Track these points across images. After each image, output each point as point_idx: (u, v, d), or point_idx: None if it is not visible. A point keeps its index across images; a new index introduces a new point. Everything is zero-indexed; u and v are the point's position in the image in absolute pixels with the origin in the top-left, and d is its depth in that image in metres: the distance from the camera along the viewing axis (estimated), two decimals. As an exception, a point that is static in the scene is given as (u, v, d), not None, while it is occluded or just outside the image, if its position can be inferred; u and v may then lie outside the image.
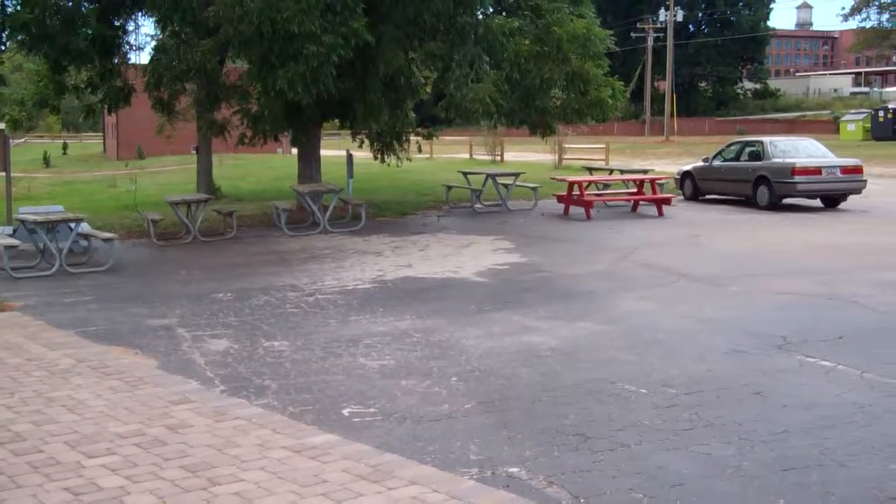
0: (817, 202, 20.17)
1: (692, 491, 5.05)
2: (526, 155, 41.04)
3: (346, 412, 6.60)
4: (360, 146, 20.68)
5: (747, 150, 20.98)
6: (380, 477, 5.25)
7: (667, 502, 4.91)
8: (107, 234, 13.90)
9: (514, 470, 5.42)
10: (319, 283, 11.97)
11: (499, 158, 37.34)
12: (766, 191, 19.64)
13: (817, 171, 19.30)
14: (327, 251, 14.86)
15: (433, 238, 16.24)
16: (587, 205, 18.85)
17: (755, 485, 5.11)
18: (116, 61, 18.97)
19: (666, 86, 67.01)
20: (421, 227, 17.89)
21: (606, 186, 21.93)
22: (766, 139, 21.07)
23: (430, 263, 13.40)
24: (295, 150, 23.28)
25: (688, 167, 23.08)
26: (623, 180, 21.63)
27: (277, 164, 35.88)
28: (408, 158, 20.84)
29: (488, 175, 21.31)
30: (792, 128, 62.87)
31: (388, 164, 20.00)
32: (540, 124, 18.90)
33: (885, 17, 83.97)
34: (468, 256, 13.97)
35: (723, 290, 10.94)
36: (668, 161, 34.64)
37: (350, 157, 20.89)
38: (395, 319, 9.65)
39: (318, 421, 6.38)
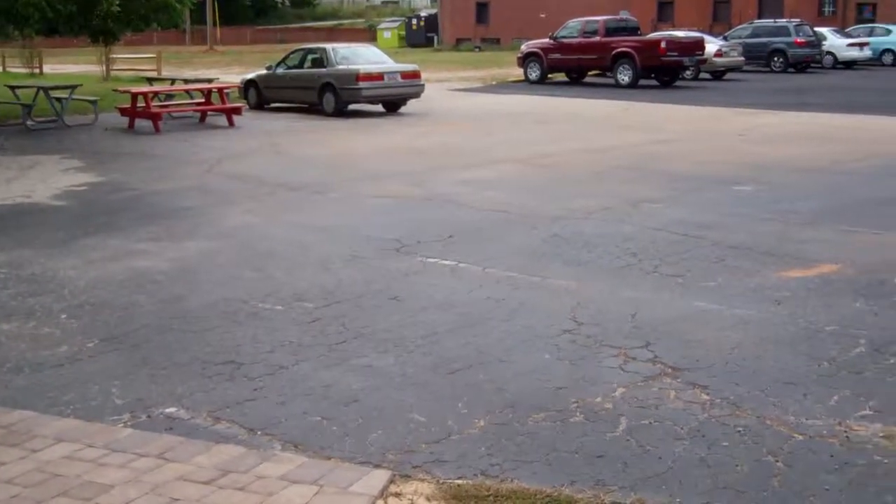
0: (379, 107, 20.75)
1: (370, 406, 4.87)
2: (66, 67, 37.95)
3: (-58, 368, 5.59)
4: None
5: (310, 57, 21.00)
6: (18, 439, 4.47)
7: (348, 421, 4.68)
8: None
9: (172, 410, 4.89)
10: None
11: (37, 71, 34.14)
12: (332, 97, 19.83)
13: (380, 76, 19.81)
14: None
15: (-14, 160, 14.42)
16: (155, 117, 17.74)
17: (428, 391, 5.05)
18: None
19: (205, -7, 65.18)
20: (-34, 149, 15.81)
21: (170, 97, 20.85)
22: (328, 46, 21.17)
23: (-9, 189, 11.86)
24: None
25: (251, 75, 22.62)
26: (188, 90, 20.70)
27: None
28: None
29: (40, 88, 19.25)
30: (331, 36, 64.17)
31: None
32: (103, 31, 17.31)
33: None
34: (37, 179, 12.52)
35: (323, 198, 10.83)
36: (218, 70, 33.67)
37: None
38: (-32, 255, 8.39)
39: (-89, 383, 5.33)
